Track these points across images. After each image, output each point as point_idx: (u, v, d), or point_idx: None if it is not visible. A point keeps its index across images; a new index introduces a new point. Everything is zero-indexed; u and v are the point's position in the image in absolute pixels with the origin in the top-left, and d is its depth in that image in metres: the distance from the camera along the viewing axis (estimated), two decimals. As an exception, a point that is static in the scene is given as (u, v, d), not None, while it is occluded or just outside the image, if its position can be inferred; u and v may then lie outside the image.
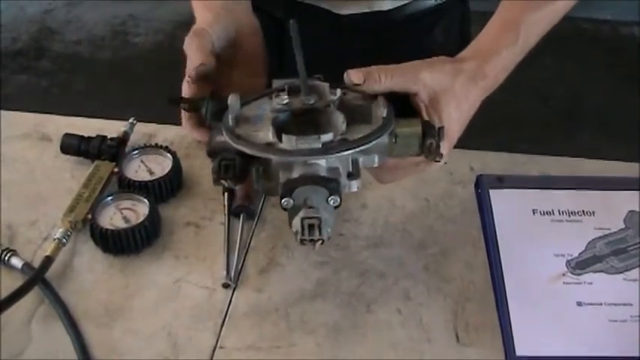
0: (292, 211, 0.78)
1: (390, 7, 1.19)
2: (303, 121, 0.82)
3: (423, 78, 0.83)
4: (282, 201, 0.77)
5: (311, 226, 0.77)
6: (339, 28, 1.20)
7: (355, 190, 0.82)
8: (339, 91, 0.83)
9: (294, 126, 0.81)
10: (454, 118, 0.85)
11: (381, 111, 0.81)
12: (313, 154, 0.78)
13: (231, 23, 0.95)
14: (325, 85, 0.84)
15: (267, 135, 0.80)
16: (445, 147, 0.83)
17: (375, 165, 0.83)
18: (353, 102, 0.84)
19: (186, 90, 0.89)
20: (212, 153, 0.82)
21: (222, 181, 0.81)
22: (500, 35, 0.90)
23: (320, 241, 0.77)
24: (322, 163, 0.79)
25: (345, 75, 0.82)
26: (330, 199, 0.78)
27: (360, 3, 1.17)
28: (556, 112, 2.95)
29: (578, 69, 3.17)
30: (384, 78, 0.81)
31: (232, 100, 0.82)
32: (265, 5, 1.01)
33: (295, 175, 0.78)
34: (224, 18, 0.94)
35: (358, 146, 0.78)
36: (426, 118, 0.83)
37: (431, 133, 0.80)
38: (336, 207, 0.78)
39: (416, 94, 0.84)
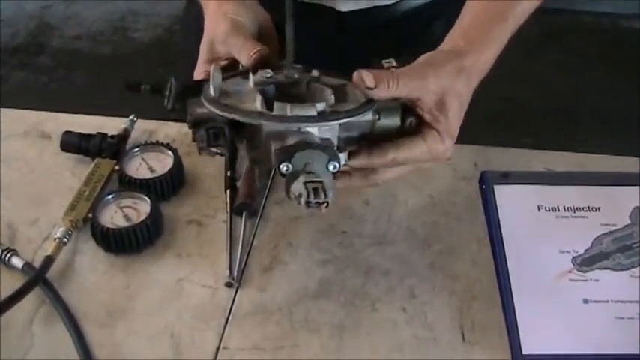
0: (291, 177, 0.77)
1: (390, 2, 1.18)
2: (287, 95, 0.82)
3: (428, 84, 0.83)
4: (281, 166, 0.76)
5: (315, 189, 0.75)
6: (339, 24, 1.19)
7: (343, 162, 0.82)
8: (315, 71, 0.85)
9: (280, 98, 0.81)
10: (457, 116, 0.86)
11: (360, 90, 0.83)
12: (309, 121, 0.78)
13: (254, 17, 0.95)
14: (301, 67, 0.85)
15: (254, 105, 0.80)
16: (449, 146, 0.85)
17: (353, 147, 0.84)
18: (329, 82, 0.85)
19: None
20: (196, 123, 0.81)
21: (212, 149, 0.81)
22: (492, 25, 0.90)
23: (325, 204, 0.76)
24: (315, 132, 0.79)
25: (355, 74, 0.81)
26: (329, 164, 0.77)
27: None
28: (557, 106, 2.94)
29: (578, 62, 3.16)
30: (392, 86, 0.81)
31: (215, 71, 0.81)
32: (265, 4, 1.00)
33: (290, 142, 0.78)
34: (247, 12, 0.95)
35: (352, 115, 0.79)
36: (428, 120, 0.84)
37: (410, 111, 0.83)
38: (334, 174, 0.78)
39: (418, 99, 0.84)
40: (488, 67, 0.89)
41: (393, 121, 0.84)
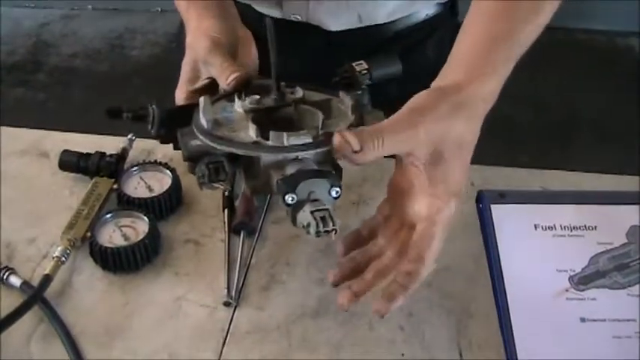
0: (296, 206, 0.77)
1: (381, 22, 1.18)
2: (277, 119, 0.83)
3: (419, 135, 0.74)
4: (286, 197, 0.76)
5: (323, 218, 0.75)
6: (329, 44, 1.19)
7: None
8: (299, 90, 0.85)
9: (270, 124, 0.81)
10: (459, 166, 0.79)
11: (346, 104, 0.83)
12: (308, 149, 0.78)
13: (233, 33, 0.95)
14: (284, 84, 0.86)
15: (249, 134, 0.80)
16: (453, 205, 0.81)
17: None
18: (313, 99, 0.86)
19: (185, 99, 0.89)
20: (192, 158, 0.82)
21: (215, 185, 0.81)
22: (496, 47, 0.81)
23: (334, 231, 0.76)
24: (312, 158, 0.79)
25: (337, 137, 0.74)
26: (332, 189, 0.77)
27: (350, 17, 1.16)
28: (553, 123, 2.95)
29: (574, 79, 3.17)
30: (378, 145, 0.73)
31: (205, 102, 0.82)
32: (252, 23, 1.00)
33: (291, 170, 0.78)
34: (227, 29, 0.95)
35: None
36: (424, 177, 0.79)
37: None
38: (335, 198, 0.78)
39: (410, 154, 0.77)
40: (496, 97, 0.79)
41: None
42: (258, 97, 0.84)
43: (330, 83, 0.87)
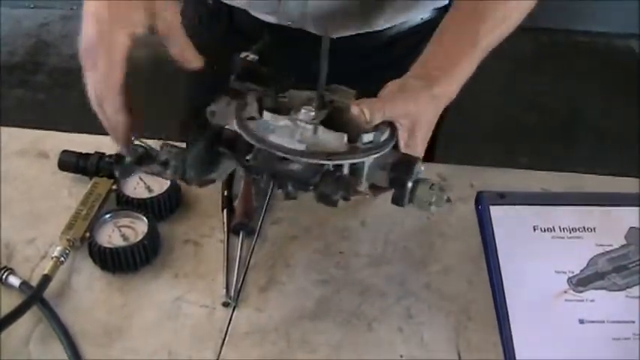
0: (414, 187, 0.81)
1: (379, 29, 1.19)
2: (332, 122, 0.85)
3: (409, 110, 0.88)
4: (409, 183, 0.81)
5: (441, 189, 0.82)
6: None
7: None
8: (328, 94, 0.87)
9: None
10: (424, 141, 0.91)
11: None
12: (389, 141, 0.84)
13: None
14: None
15: (334, 142, 0.81)
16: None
17: None
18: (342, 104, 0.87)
19: None
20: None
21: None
22: (461, 51, 0.94)
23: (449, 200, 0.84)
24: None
25: (355, 108, 0.83)
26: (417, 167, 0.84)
27: (349, 26, 1.17)
28: (553, 125, 2.95)
29: (574, 81, 3.17)
30: (380, 113, 0.84)
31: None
32: (248, 28, 1.00)
33: (391, 160, 0.83)
34: None
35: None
36: (403, 136, 0.88)
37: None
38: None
39: (398, 122, 0.88)
40: (454, 97, 0.93)
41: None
42: (312, 110, 0.83)
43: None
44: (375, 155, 0.82)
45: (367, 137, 0.82)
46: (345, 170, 0.82)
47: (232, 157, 0.85)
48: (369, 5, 1.15)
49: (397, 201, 0.82)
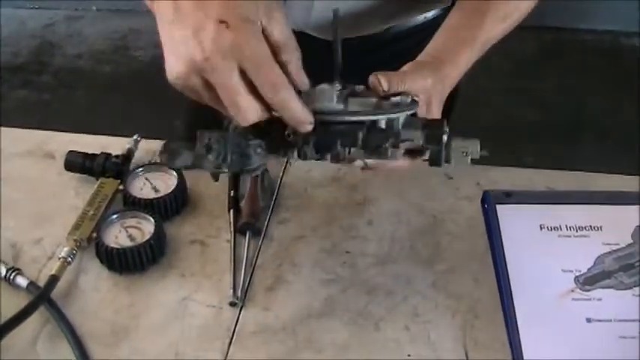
0: (447, 144, 0.82)
1: (379, 31, 1.19)
2: None
3: (426, 85, 0.89)
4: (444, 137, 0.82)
5: (472, 142, 0.83)
6: (328, 51, 1.19)
7: None
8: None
9: None
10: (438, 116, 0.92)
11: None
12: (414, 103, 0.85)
13: None
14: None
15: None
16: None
17: None
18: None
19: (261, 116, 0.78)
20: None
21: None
22: (462, 43, 0.96)
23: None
24: None
25: (372, 77, 0.85)
26: None
27: (352, 32, 1.17)
28: (559, 123, 2.95)
29: (579, 80, 3.17)
30: (400, 84, 0.86)
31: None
32: None
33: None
34: None
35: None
36: (422, 109, 0.89)
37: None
38: None
39: (417, 96, 0.88)
40: (455, 83, 0.95)
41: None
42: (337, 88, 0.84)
43: None
44: (409, 112, 0.83)
45: (394, 100, 0.83)
46: (383, 126, 0.83)
47: (271, 139, 0.83)
48: (372, 14, 1.16)
49: (435, 159, 0.82)
